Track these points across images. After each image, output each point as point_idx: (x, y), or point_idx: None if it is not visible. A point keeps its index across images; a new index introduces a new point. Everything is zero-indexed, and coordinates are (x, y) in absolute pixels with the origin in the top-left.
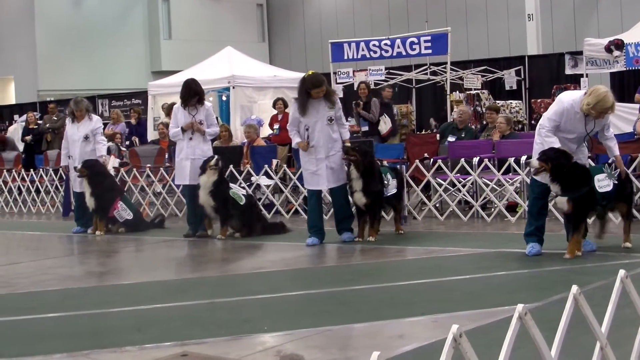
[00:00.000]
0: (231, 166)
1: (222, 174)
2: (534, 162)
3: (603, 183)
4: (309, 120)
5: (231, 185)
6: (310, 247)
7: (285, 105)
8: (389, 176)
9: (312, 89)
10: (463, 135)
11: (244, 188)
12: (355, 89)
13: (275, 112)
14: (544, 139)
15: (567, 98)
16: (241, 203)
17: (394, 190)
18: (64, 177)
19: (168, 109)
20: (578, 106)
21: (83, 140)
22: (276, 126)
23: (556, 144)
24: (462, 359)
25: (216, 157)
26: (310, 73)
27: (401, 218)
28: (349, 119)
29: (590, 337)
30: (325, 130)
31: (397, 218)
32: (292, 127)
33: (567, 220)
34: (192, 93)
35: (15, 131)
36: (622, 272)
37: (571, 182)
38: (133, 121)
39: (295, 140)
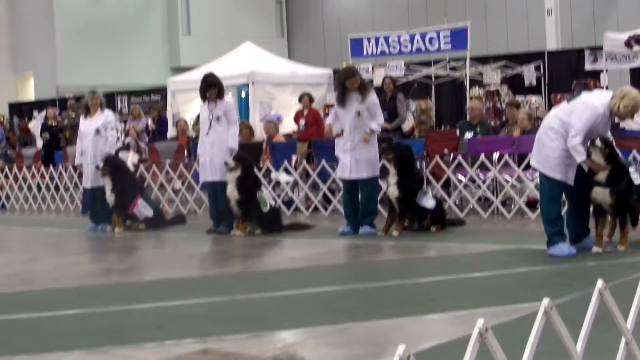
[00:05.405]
0: None
1: (247, 170)
2: (598, 142)
3: (634, 175)
4: (345, 111)
5: (264, 189)
6: (335, 240)
7: (311, 101)
8: (429, 191)
9: (347, 79)
10: (478, 130)
11: (271, 194)
12: (375, 85)
13: (299, 107)
14: (576, 152)
15: (599, 102)
16: (264, 209)
17: (432, 203)
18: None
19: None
20: (608, 110)
21: (95, 134)
22: (302, 122)
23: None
24: (486, 354)
25: (234, 154)
26: (344, 65)
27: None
28: None
29: (612, 334)
30: (353, 122)
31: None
32: (331, 117)
33: (596, 213)
34: (207, 84)
35: (34, 127)
36: None
37: (616, 174)
38: (151, 123)
39: (327, 121)
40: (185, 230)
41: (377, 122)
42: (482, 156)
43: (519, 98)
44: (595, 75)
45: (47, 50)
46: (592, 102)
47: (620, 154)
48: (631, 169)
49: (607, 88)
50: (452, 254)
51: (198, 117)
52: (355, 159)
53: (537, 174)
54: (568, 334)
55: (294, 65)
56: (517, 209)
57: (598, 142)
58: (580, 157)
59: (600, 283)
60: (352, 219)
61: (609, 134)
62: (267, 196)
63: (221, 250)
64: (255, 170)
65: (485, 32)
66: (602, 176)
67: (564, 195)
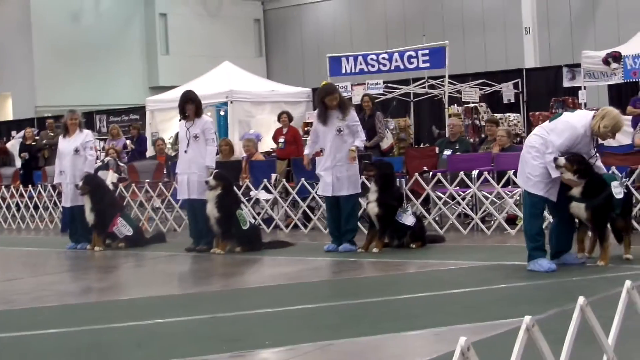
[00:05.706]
0: None
1: (227, 188)
2: (561, 160)
3: (617, 190)
4: (325, 129)
5: (243, 207)
6: (315, 257)
7: (290, 119)
8: (409, 208)
9: (326, 96)
10: (457, 147)
11: (250, 212)
12: (354, 103)
13: (278, 125)
14: (551, 168)
15: (580, 123)
16: (244, 227)
17: (412, 220)
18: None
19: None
20: (589, 130)
21: (74, 153)
22: (281, 140)
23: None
24: None
25: (214, 173)
26: (324, 83)
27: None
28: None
29: (593, 348)
30: (335, 140)
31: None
32: (311, 136)
33: (580, 225)
34: (185, 99)
35: (13, 147)
36: (628, 283)
37: (591, 188)
38: (129, 142)
39: (305, 152)
40: (165, 249)
41: (360, 139)
42: (462, 173)
43: (498, 115)
44: (574, 92)
45: (25, 71)
46: (573, 123)
47: (602, 169)
48: (614, 183)
49: (585, 105)
50: (432, 270)
51: (177, 135)
52: (336, 176)
53: (516, 191)
54: (550, 351)
55: (272, 84)
56: (497, 225)
57: (561, 160)
58: (555, 173)
59: (581, 300)
60: (336, 236)
61: (592, 153)
62: (246, 214)
63: (201, 268)
64: (235, 188)
65: (464, 50)
66: (576, 191)
67: (547, 211)
